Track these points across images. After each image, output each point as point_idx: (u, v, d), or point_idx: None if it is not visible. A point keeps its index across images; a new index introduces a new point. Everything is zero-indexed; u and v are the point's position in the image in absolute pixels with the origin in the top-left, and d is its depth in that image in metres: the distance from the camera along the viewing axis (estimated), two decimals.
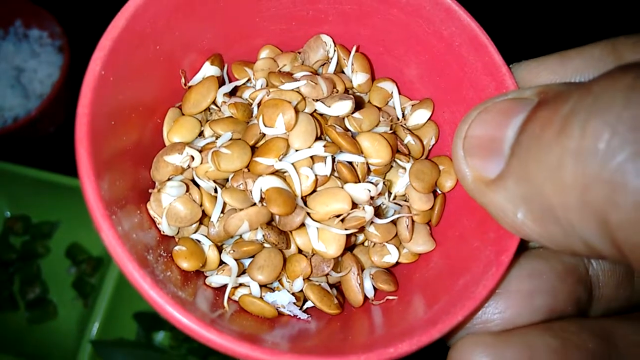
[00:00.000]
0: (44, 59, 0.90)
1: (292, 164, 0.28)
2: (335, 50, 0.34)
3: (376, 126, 0.32)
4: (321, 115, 0.31)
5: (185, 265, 0.27)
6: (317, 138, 0.30)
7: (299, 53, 0.34)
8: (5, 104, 0.86)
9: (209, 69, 0.32)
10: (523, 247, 0.27)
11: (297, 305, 0.29)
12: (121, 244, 0.22)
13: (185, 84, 0.31)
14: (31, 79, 0.89)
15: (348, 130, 0.31)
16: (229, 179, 0.29)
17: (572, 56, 0.29)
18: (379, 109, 0.33)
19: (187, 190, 0.28)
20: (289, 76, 0.31)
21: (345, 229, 0.29)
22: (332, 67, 0.34)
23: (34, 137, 0.89)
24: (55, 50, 0.91)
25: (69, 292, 0.83)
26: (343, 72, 0.34)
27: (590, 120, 0.19)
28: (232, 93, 0.33)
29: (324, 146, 0.29)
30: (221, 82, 0.33)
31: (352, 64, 0.33)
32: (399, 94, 0.34)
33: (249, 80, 0.33)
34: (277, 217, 0.29)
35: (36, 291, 0.82)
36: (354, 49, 0.34)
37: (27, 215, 0.87)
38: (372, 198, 0.29)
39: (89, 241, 0.85)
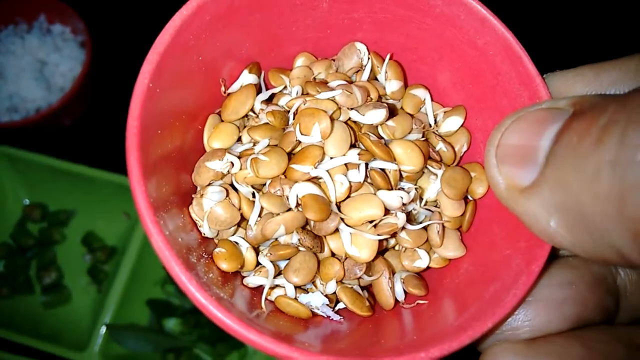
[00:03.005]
0: (66, 54, 0.93)
1: (327, 171, 0.30)
2: (369, 58, 0.34)
3: (409, 133, 0.33)
4: (355, 122, 0.32)
5: (224, 266, 0.29)
6: (351, 146, 0.31)
7: (334, 60, 0.35)
8: (28, 95, 0.90)
9: (247, 77, 0.33)
10: (553, 255, 0.28)
11: (330, 307, 0.31)
12: (169, 248, 0.24)
13: (224, 92, 0.33)
14: (53, 72, 0.92)
15: (381, 137, 0.32)
16: (267, 185, 0.30)
17: (607, 68, 0.29)
18: (412, 115, 0.34)
19: (227, 195, 0.30)
20: (325, 85, 0.32)
21: (378, 235, 0.30)
22: (365, 74, 0.34)
23: (53, 129, 0.92)
24: (77, 45, 0.94)
25: (83, 278, 0.86)
26: (376, 79, 0.35)
27: (628, 132, 0.19)
28: (269, 100, 0.34)
29: (358, 154, 0.30)
30: (258, 89, 0.34)
31: (386, 72, 0.34)
32: (432, 100, 0.35)
33: (285, 87, 0.34)
34: (312, 221, 0.30)
35: (52, 276, 0.85)
36: (388, 56, 0.34)
37: (44, 203, 0.90)
38: (404, 205, 0.30)
39: (104, 230, 0.88)
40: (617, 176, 0.20)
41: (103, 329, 0.74)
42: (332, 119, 0.30)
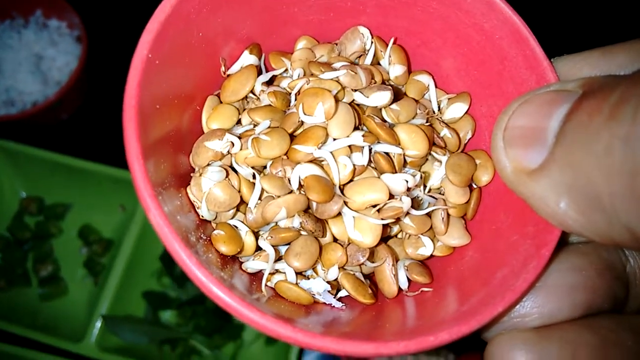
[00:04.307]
0: (62, 48, 0.93)
1: (331, 152, 0.29)
2: (372, 42, 0.34)
3: (413, 118, 0.32)
4: (359, 105, 0.31)
5: (223, 249, 0.28)
6: (355, 128, 0.30)
7: (336, 44, 0.35)
8: (25, 89, 0.90)
9: (248, 58, 0.32)
10: (562, 241, 0.27)
11: (331, 294, 0.30)
12: (168, 224, 0.22)
13: (224, 72, 0.32)
14: (50, 66, 0.93)
15: (385, 121, 0.31)
16: (268, 166, 0.29)
17: (616, 51, 0.28)
18: (416, 101, 0.33)
19: (227, 176, 0.29)
20: (329, 66, 0.31)
21: (382, 219, 0.29)
22: (369, 58, 0.34)
23: (49, 122, 0.92)
24: (73, 39, 0.94)
25: (80, 271, 0.86)
26: (379, 64, 0.34)
27: None
28: (269, 82, 0.33)
29: (362, 136, 0.29)
30: (259, 71, 0.33)
31: (390, 56, 0.33)
32: (436, 87, 0.34)
33: (285, 70, 0.34)
34: (314, 205, 0.29)
35: (49, 269, 0.85)
36: (392, 41, 0.34)
37: (41, 197, 0.90)
38: (409, 189, 0.29)
39: (100, 223, 0.89)
40: (629, 152, 0.19)
41: (99, 321, 0.74)
42: (336, 100, 0.29)
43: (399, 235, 0.32)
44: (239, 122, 0.32)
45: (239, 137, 0.29)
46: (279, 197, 0.28)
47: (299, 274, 0.30)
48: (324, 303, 0.29)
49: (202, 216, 0.29)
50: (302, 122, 0.29)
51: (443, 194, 0.32)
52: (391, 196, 0.29)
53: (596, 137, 0.20)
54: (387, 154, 0.30)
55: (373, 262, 0.30)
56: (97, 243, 0.86)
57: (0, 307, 0.81)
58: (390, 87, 0.31)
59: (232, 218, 0.30)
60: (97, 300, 0.76)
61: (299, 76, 0.32)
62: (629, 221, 0.20)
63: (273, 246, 0.29)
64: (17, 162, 0.86)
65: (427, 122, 0.33)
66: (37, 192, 0.90)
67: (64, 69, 0.92)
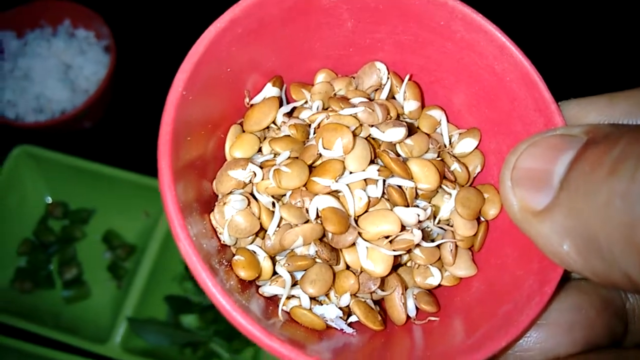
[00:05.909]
0: (90, 57, 0.96)
1: (347, 185, 0.30)
2: (388, 78, 0.35)
3: (425, 153, 0.34)
4: (374, 139, 0.33)
5: (243, 274, 0.29)
6: (371, 162, 0.31)
7: (353, 77, 0.36)
8: (54, 96, 0.93)
9: (270, 90, 0.34)
10: (565, 278, 0.28)
11: (343, 319, 0.31)
12: (196, 253, 0.24)
13: (248, 103, 0.34)
14: (78, 75, 0.95)
15: (399, 155, 0.33)
16: (287, 195, 0.31)
17: (621, 98, 0.30)
18: (428, 135, 0.35)
19: (249, 204, 0.30)
20: (347, 101, 0.32)
21: (394, 250, 0.30)
22: (384, 93, 0.35)
23: (74, 130, 0.95)
24: (101, 49, 0.97)
25: (103, 275, 0.89)
26: (394, 98, 0.36)
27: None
28: (290, 113, 0.35)
29: (378, 170, 0.31)
30: (280, 103, 0.35)
31: (405, 92, 0.35)
32: (447, 122, 0.36)
33: (306, 102, 0.35)
34: (329, 234, 0.30)
35: (73, 272, 0.88)
36: (407, 77, 0.35)
37: (66, 202, 0.93)
38: (420, 222, 0.31)
39: (124, 228, 0.91)
40: (627, 207, 0.20)
41: (124, 323, 0.76)
42: (354, 135, 0.31)
43: (408, 264, 0.34)
44: (259, 150, 0.33)
45: (260, 167, 0.31)
46: (296, 225, 0.30)
47: (313, 299, 0.31)
48: (336, 329, 0.31)
49: (223, 241, 0.30)
50: (320, 155, 0.31)
51: (452, 226, 0.33)
52: (403, 228, 0.31)
53: (597, 189, 0.22)
54: (399, 187, 0.32)
55: (384, 291, 0.31)
56: (121, 248, 0.88)
57: (25, 308, 0.83)
58: (405, 123, 0.32)
59: (250, 244, 0.31)
60: (121, 303, 0.78)
61: (318, 108, 0.34)
62: (627, 268, 0.22)
63: (289, 272, 0.30)
64: (44, 167, 0.88)
65: (438, 156, 0.35)
66: (62, 197, 0.92)
67: (92, 78, 0.95)
